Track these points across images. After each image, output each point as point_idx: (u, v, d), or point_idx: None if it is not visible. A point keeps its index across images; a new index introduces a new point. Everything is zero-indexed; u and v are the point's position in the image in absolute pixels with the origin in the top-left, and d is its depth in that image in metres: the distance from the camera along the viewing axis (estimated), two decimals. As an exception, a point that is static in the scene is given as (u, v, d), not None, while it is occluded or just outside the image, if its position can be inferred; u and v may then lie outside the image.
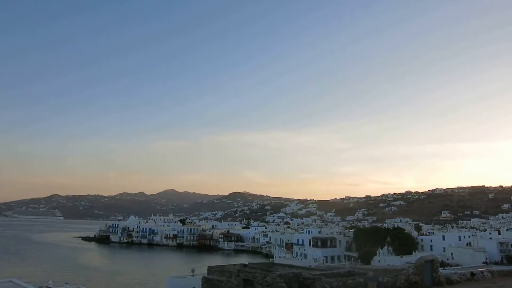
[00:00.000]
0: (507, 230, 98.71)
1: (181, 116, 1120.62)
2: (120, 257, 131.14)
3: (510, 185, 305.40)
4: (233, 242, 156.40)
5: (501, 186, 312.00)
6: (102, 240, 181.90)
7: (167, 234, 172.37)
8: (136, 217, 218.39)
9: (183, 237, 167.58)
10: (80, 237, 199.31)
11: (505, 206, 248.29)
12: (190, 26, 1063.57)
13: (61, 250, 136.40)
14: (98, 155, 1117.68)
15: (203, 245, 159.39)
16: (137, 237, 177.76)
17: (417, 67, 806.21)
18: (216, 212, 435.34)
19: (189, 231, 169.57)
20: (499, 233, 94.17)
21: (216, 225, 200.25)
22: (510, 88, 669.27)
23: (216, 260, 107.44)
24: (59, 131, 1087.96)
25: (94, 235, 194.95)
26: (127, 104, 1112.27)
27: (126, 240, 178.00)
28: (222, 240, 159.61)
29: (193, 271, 49.06)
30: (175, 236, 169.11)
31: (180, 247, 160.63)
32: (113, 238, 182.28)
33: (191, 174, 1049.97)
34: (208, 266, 31.51)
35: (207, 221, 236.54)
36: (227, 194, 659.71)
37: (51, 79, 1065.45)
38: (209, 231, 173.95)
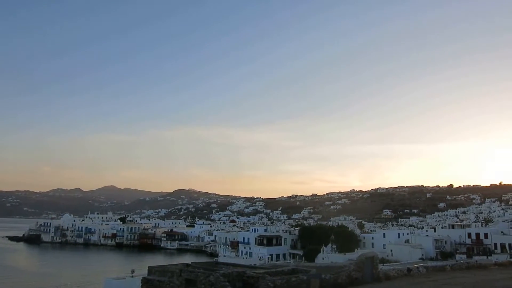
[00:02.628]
0: (442, 227, 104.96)
1: (123, 109, 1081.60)
2: (53, 258, 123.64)
3: (446, 185, 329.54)
4: (177, 241, 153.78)
5: (438, 186, 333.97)
6: (32, 240, 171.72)
7: (105, 233, 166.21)
8: (72, 215, 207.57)
9: (123, 236, 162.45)
10: (6, 236, 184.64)
11: (441, 205, 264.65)
12: (131, 25, 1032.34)
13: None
14: (30, 148, 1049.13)
15: (145, 244, 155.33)
16: (72, 236, 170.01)
17: (361, 69, 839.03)
18: (160, 210, 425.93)
19: (129, 230, 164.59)
20: (435, 231, 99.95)
21: (159, 224, 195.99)
22: (447, 93, 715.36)
23: (158, 260, 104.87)
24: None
25: (23, 235, 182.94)
26: (65, 95, 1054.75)
27: (60, 240, 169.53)
28: (165, 239, 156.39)
29: (132, 271, 47.39)
30: (114, 235, 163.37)
31: (119, 246, 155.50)
32: (45, 237, 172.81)
33: (133, 170, 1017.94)
34: (148, 266, 30.67)
35: (149, 220, 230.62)
36: (172, 191, 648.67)
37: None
38: (151, 230, 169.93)
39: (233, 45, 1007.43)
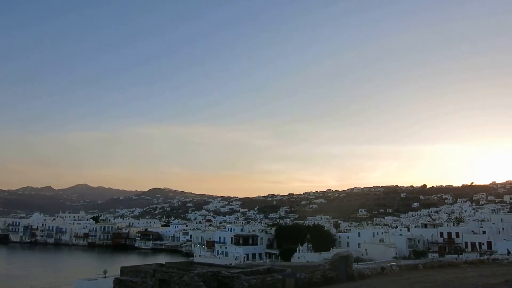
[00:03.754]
0: (415, 227, 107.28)
1: (97, 106, 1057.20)
2: (21, 259, 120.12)
3: (419, 186, 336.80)
4: (151, 241, 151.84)
5: (412, 186, 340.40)
6: (0, 240, 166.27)
7: (77, 233, 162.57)
8: (42, 214, 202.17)
9: (95, 236, 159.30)
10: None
11: (415, 204, 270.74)
12: (111, 24, 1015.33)
13: None
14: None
15: (118, 244, 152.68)
16: (42, 236, 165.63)
17: (338, 71, 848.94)
18: (134, 209, 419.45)
19: (102, 230, 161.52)
20: (408, 230, 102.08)
21: (133, 223, 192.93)
22: (422, 96, 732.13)
23: (132, 260, 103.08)
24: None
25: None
26: (36, 92, 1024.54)
27: (29, 240, 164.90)
28: (139, 239, 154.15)
29: (105, 272, 46.77)
30: (86, 235, 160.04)
31: (92, 247, 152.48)
32: (13, 237, 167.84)
33: (107, 168, 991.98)
34: (121, 267, 30.29)
35: (123, 219, 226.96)
36: (147, 190, 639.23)
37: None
38: (125, 230, 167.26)
39: (211, 47, 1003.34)
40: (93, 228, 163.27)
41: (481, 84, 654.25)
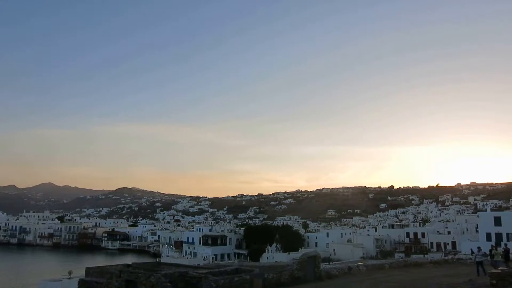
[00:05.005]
0: (382, 227, 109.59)
1: (62, 103, 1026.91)
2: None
3: (387, 187, 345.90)
4: (118, 241, 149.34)
5: (379, 187, 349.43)
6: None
7: (41, 233, 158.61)
8: (4, 213, 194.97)
9: (60, 236, 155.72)
10: None
11: (383, 205, 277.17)
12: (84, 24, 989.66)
13: None
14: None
15: (84, 244, 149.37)
16: (5, 236, 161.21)
17: (310, 73, 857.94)
18: (101, 208, 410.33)
19: (68, 230, 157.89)
20: (376, 230, 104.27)
21: (99, 223, 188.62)
22: (392, 99, 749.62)
23: (98, 261, 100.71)
24: None
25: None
26: (3, 87, 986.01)
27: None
28: (106, 239, 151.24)
29: (70, 273, 45.48)
30: (51, 235, 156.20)
31: (57, 247, 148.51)
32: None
33: (73, 167, 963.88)
34: (86, 267, 29.81)
35: (89, 219, 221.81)
36: (114, 189, 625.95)
37: None
38: (92, 230, 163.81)
39: (186, 49, 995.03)
40: (58, 228, 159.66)
41: (448, 90, 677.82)
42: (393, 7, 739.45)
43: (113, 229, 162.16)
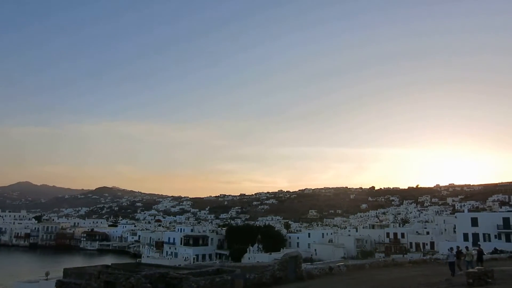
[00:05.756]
0: (363, 227, 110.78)
1: (41, 100, 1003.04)
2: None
3: (368, 187, 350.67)
4: (98, 242, 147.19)
5: (361, 188, 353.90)
6: None
7: (17, 233, 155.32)
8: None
9: (37, 236, 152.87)
10: None
11: (363, 206, 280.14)
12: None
13: None
14: None
15: (62, 245, 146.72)
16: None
17: (294, 72, 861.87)
18: (80, 208, 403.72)
19: (45, 230, 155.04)
20: (357, 231, 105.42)
21: (78, 223, 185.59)
22: (374, 101, 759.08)
23: (76, 262, 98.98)
24: None
25: None
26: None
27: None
28: (84, 239, 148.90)
29: (47, 274, 44.91)
30: (27, 235, 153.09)
31: (33, 247, 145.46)
32: None
33: (51, 165, 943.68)
34: (64, 268, 29.32)
35: (68, 219, 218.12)
36: (94, 188, 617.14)
37: None
38: (70, 230, 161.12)
39: (163, 41, 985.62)
40: (35, 228, 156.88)
41: (427, 95, 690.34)
42: (379, 15, 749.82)
43: (92, 229, 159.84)
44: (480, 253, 28.41)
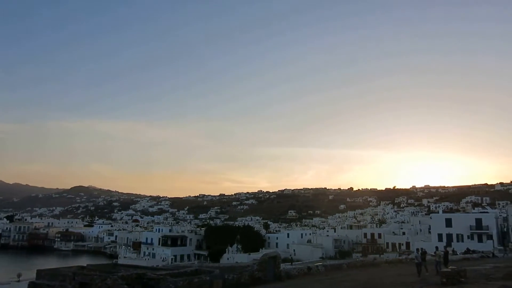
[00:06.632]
0: (341, 228, 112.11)
1: (11, 96, 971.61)
2: None
3: (346, 188, 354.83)
4: (73, 242, 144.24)
5: (339, 189, 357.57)
6: None
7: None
8: None
9: (9, 236, 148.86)
10: None
11: (342, 206, 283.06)
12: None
13: None
14: None
15: (35, 245, 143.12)
16: None
17: (272, 72, 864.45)
18: (54, 208, 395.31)
19: (17, 230, 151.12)
20: (335, 231, 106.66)
21: (52, 223, 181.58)
22: (352, 103, 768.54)
23: (50, 263, 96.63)
24: None
25: None
26: None
27: None
28: (59, 239, 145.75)
29: (19, 276, 43.75)
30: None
31: (4, 248, 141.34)
32: None
33: (24, 164, 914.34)
34: (37, 270, 28.65)
35: (41, 218, 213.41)
36: (69, 188, 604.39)
37: None
38: (44, 230, 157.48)
39: (142, 38, 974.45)
40: (6, 228, 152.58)
41: (405, 102, 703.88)
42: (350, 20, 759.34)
43: (67, 229, 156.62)
44: (446, 254, 29.23)
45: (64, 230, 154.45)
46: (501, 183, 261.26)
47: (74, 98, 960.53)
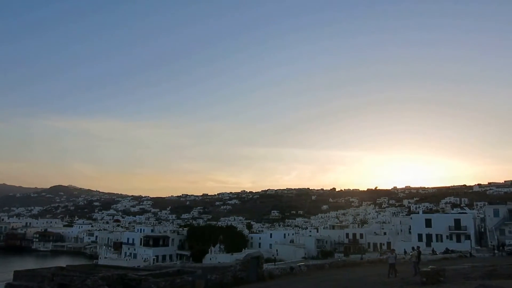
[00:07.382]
0: (324, 228, 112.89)
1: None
2: None
3: (329, 189, 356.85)
4: (51, 243, 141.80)
5: (322, 189, 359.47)
6: None
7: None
8: None
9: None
10: None
11: (324, 207, 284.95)
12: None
13: None
14: None
15: (12, 246, 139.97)
16: None
17: (261, 73, 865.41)
18: (32, 207, 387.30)
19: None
20: (317, 231, 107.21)
21: (30, 223, 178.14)
22: (339, 107, 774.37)
23: (28, 264, 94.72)
24: None
25: None
26: None
27: None
28: (37, 240, 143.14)
29: (-5, 276, 42.16)
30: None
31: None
32: None
33: (1, 162, 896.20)
34: (14, 271, 27.94)
35: (19, 218, 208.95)
36: (48, 187, 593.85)
37: None
38: (21, 230, 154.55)
39: (124, 36, 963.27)
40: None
41: (388, 106, 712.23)
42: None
43: (45, 230, 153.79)
44: (419, 253, 29.82)
45: (43, 230, 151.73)
46: (479, 185, 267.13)
47: (58, 98, 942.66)
